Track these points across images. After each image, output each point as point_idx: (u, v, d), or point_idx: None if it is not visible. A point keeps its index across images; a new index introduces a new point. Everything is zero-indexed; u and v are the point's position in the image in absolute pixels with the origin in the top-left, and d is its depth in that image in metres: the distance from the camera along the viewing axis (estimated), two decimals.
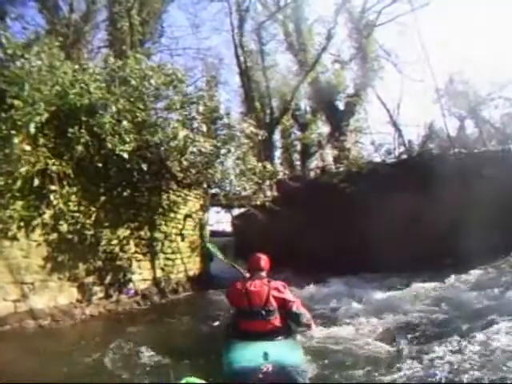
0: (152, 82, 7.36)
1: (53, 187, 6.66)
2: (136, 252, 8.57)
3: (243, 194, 12.35)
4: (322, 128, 17.41)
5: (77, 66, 7.19)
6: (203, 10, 31.40)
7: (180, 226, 10.21)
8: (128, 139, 7.01)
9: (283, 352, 3.65)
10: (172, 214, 9.83)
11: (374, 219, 11.37)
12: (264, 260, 4.40)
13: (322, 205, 12.22)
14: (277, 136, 17.55)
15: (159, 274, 9.19)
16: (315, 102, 16.79)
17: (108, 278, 7.88)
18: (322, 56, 15.33)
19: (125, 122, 7.08)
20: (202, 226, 11.38)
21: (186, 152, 7.92)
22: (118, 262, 8.11)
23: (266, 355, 3.46)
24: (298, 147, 18.55)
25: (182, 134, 7.68)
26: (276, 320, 3.96)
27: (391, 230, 11.14)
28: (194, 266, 10.78)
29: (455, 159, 11.58)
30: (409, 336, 5.25)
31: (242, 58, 14.52)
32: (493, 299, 7.09)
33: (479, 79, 19.50)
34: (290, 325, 4.15)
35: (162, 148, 8.54)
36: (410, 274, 9.81)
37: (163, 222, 9.49)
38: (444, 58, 31.28)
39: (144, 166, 7.75)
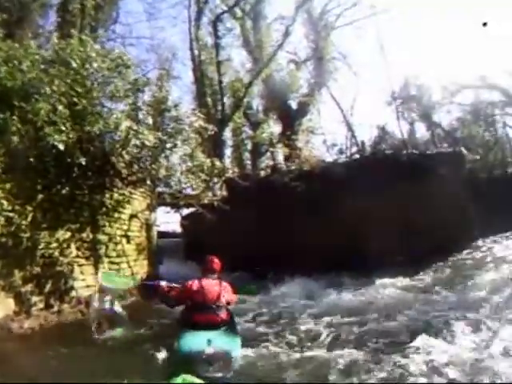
0: (94, 65, 6.62)
1: None
2: (78, 256, 7.74)
3: (191, 192, 11.88)
4: (274, 127, 17.34)
5: (16, 45, 6.30)
6: (162, 1, 30.09)
7: (125, 227, 9.45)
8: (64, 128, 6.25)
9: (224, 339, 4.49)
10: (116, 214, 9.06)
11: (325, 218, 11.38)
12: (216, 263, 5.18)
13: (272, 204, 11.97)
14: (228, 134, 17.21)
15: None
16: (268, 100, 16.63)
17: (48, 286, 7.01)
18: (277, 53, 15.23)
19: (60, 107, 6.30)
20: (148, 226, 10.66)
21: (128, 145, 7.25)
22: (58, 268, 7.26)
23: (209, 341, 4.23)
24: (249, 146, 18.25)
25: (124, 124, 7.05)
26: (223, 314, 4.81)
27: (342, 229, 11.20)
28: (141, 269, 10.04)
29: (408, 159, 11.90)
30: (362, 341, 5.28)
31: (196, 52, 13.94)
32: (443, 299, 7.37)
33: (433, 84, 20.66)
34: (233, 318, 5.12)
35: (106, 141, 7.86)
36: (361, 272, 9.94)
37: (107, 223, 8.70)
38: (400, 63, 32.64)
39: (84, 161, 6.99)
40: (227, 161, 16.31)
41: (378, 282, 9.15)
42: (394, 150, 12.52)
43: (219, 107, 13.67)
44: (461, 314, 6.00)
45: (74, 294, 7.46)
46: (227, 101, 14.83)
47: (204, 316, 4.67)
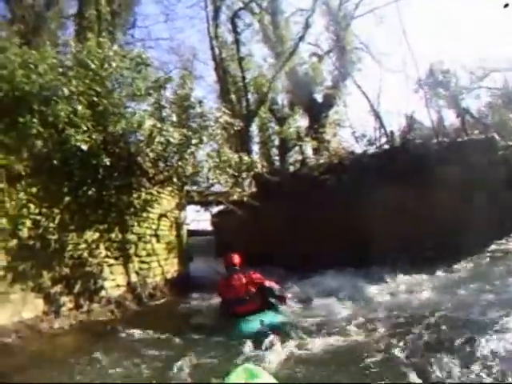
0: (113, 64, 6.61)
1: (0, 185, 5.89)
2: (107, 256, 7.82)
3: (220, 190, 11.82)
4: (301, 121, 17.05)
5: (33, 52, 6.41)
6: (178, 3, 30.55)
7: (154, 227, 9.51)
8: (86, 128, 6.28)
9: (271, 317, 5.06)
10: (145, 214, 9.11)
11: (359, 211, 10.98)
12: (235, 257, 5.70)
13: (302, 198, 11.71)
14: (254, 131, 17.08)
15: (134, 278, 8.46)
16: (293, 95, 16.32)
17: (77, 287, 7.10)
18: (299, 46, 14.90)
19: (80, 108, 6.31)
20: (178, 225, 10.70)
21: (152, 143, 7.19)
22: (88, 268, 7.35)
23: (262, 322, 4.82)
24: (277, 142, 18.02)
25: (148, 123, 7.01)
26: (258, 300, 5.23)
27: (377, 221, 10.77)
28: (171, 268, 10.10)
29: (439, 148, 11.31)
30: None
31: (216, 50, 13.88)
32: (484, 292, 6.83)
33: (459, 69, 19.50)
34: (270, 301, 5.34)
35: (130, 140, 7.89)
36: (397, 267, 9.51)
37: (136, 223, 8.76)
38: (424, 48, 31.30)
39: (108, 161, 7.01)
40: (255, 157, 16.12)
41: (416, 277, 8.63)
42: (424, 139, 11.92)
43: (244, 103, 13.51)
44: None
45: (103, 293, 7.54)
46: (251, 97, 14.64)
47: (240, 308, 5.22)
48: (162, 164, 8.23)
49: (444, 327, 5.17)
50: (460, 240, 9.34)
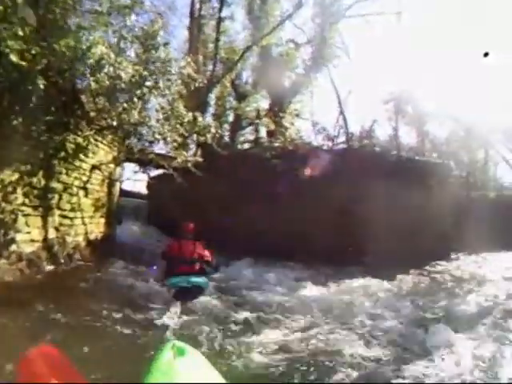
0: None
1: None
2: (24, 204, 6.47)
3: (164, 152, 10.73)
4: (261, 103, 16.15)
5: None
6: None
7: (85, 178, 8.22)
8: (22, 33, 4.93)
9: (198, 279, 5.99)
10: (77, 163, 7.83)
11: (302, 203, 10.62)
12: (191, 227, 6.49)
13: (247, 178, 11.03)
14: (211, 102, 15.86)
15: (52, 234, 7.19)
16: (260, 73, 15.35)
17: None
18: (285, 23, 13.89)
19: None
20: (111, 181, 9.44)
21: (99, 71, 5.92)
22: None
23: (188, 281, 5.86)
24: (231, 118, 17.03)
25: (99, 48, 5.77)
26: (197, 266, 6.11)
27: (317, 217, 10.52)
28: (97, 228, 8.89)
29: (397, 161, 11.28)
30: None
31: (197, 4, 12.45)
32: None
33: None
34: (205, 269, 6.21)
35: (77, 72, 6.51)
36: (333, 267, 9.35)
37: (64, 170, 7.45)
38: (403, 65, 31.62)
39: (41, 87, 5.68)
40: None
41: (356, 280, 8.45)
42: (383, 149, 11.88)
43: (210, 67, 12.37)
44: None
45: (14, 248, 6.24)
46: (219, 64, 13.48)
47: (183, 267, 6.05)
48: (105, 104, 6.92)
49: None
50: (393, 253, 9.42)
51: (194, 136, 8.67)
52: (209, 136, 8.87)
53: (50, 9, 5.35)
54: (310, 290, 7.71)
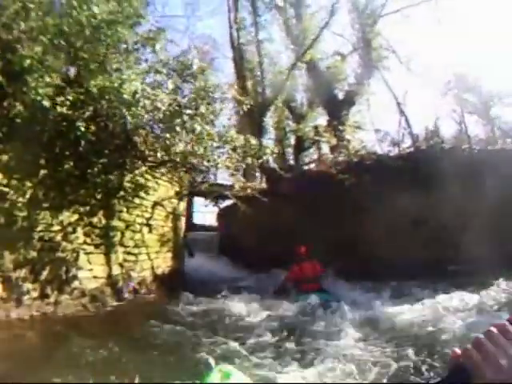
0: (95, 9, 5.44)
1: None
2: (85, 243, 6.85)
3: (226, 183, 10.82)
4: (319, 120, 15.82)
5: None
6: None
7: (147, 215, 8.52)
8: (48, 79, 5.25)
9: (324, 295, 7.04)
10: (137, 200, 8.14)
11: (376, 216, 9.80)
12: (303, 249, 7.82)
13: (317, 199, 10.55)
14: (269, 128, 15.96)
15: (116, 270, 7.48)
16: (312, 91, 15.19)
17: (44, 274, 6.14)
18: (323, 32, 13.70)
19: (38, 49, 5.18)
20: (175, 216, 9.70)
21: (135, 106, 6.09)
22: (60, 254, 6.39)
23: (316, 297, 6.87)
24: (292, 140, 16.94)
25: (133, 84, 5.94)
26: (318, 283, 7.44)
27: (393, 230, 9.60)
28: (163, 262, 9.09)
29: (468, 155, 10.05)
30: None
31: (234, 33, 12.86)
32: None
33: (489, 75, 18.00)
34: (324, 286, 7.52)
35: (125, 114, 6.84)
36: (415, 282, 8.29)
37: (124, 209, 7.79)
38: (454, 52, 29.48)
39: (82, 129, 5.95)
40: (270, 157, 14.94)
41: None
42: (453, 144, 10.66)
43: (259, 89, 12.46)
44: None
45: (76, 284, 6.57)
46: (268, 87, 13.52)
47: (308, 286, 7.21)
48: (149, 138, 7.12)
49: None
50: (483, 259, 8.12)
51: (250, 160, 8.44)
52: (265, 158, 8.69)
53: (78, 55, 5.73)
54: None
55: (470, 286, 7.15)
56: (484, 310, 6.25)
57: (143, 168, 8.01)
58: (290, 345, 4.99)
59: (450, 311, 6.17)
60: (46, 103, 5.21)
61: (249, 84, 12.36)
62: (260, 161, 8.68)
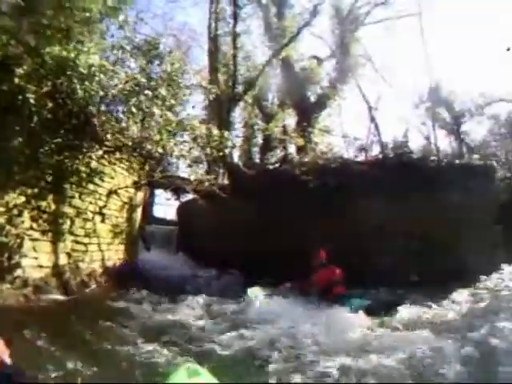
0: None
1: None
2: (31, 228, 6.27)
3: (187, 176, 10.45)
4: (289, 121, 15.78)
5: None
6: None
7: (101, 203, 8.01)
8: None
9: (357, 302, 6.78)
10: (91, 187, 7.62)
11: (338, 221, 9.77)
12: (324, 254, 7.56)
13: (278, 198, 10.37)
14: (238, 127, 15.78)
15: (63, 260, 6.94)
16: (285, 89, 15.08)
17: None
18: (302, 31, 13.60)
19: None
20: (132, 207, 9.20)
21: (90, 82, 5.62)
22: (3, 239, 5.80)
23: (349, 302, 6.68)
24: (260, 139, 16.82)
25: (91, 57, 5.50)
26: (342, 287, 7.19)
27: (356, 235, 9.60)
28: (115, 255, 8.60)
29: (436, 167, 10.30)
30: None
31: (213, 24, 12.46)
32: None
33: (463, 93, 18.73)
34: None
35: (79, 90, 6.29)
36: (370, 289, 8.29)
37: (77, 195, 7.26)
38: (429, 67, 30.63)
39: (35, 106, 5.48)
40: (235, 154, 14.69)
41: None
42: (421, 156, 10.95)
43: (230, 83, 12.17)
44: None
45: (19, 273, 6.00)
46: (241, 78, 13.27)
47: (338, 289, 7.04)
48: (104, 118, 6.63)
49: None
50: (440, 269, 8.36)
51: (209, 150, 8.10)
52: (227, 151, 8.42)
53: (40, 21, 5.23)
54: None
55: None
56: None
57: (99, 152, 7.51)
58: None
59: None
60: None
61: (220, 77, 12.00)
62: (221, 153, 8.37)
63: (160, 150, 7.00)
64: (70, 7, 5.27)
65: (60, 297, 6.53)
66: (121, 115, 6.42)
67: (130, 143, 6.94)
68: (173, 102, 6.78)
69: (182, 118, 7.23)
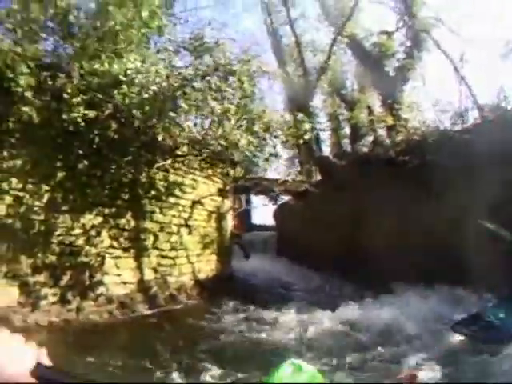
0: None
1: None
2: (112, 246, 6.45)
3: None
4: (373, 101, 14.30)
5: None
6: None
7: (185, 215, 7.98)
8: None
9: None
10: (172, 200, 7.63)
11: (453, 202, 8.13)
12: None
13: (375, 186, 9.13)
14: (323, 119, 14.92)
15: (149, 275, 6.99)
16: (360, 70, 13.77)
17: (65, 278, 5.83)
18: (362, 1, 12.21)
19: None
20: (220, 215, 9.04)
21: (128, 83, 5.45)
22: (83, 259, 6.05)
23: None
24: (347, 130, 15.76)
25: (130, 65, 5.39)
26: None
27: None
28: (206, 266, 8.48)
29: None
30: None
31: (268, 19, 12.03)
32: None
33: None
34: None
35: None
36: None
37: (158, 209, 7.31)
38: None
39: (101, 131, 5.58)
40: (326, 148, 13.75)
41: None
42: None
43: (301, 72, 11.35)
44: None
45: (102, 290, 6.18)
46: (310, 66, 12.35)
47: None
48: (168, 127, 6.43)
49: None
50: None
51: (285, 138, 7.39)
52: (306, 137, 7.62)
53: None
54: None
55: None
56: None
57: (173, 163, 7.50)
58: None
59: None
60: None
61: (289, 69, 11.37)
62: (301, 140, 7.60)
63: (222, 142, 6.53)
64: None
65: (147, 311, 6.56)
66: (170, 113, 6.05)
67: (194, 145, 6.69)
68: (230, 90, 6.28)
69: (248, 107, 6.61)
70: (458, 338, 4.78)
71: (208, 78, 6.02)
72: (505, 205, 7.02)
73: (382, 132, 12.08)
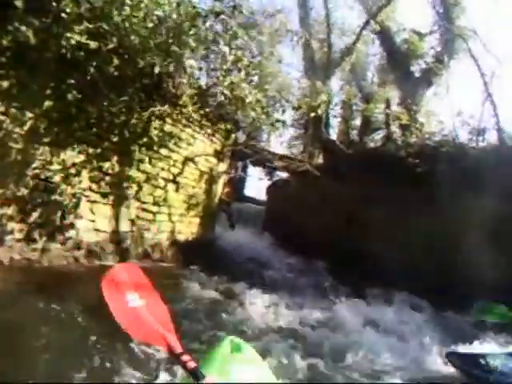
0: None
1: None
2: (90, 189, 6.01)
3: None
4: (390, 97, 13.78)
5: None
6: None
7: (176, 171, 7.54)
8: None
9: None
10: (165, 152, 7.18)
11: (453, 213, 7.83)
12: None
13: (379, 182, 8.77)
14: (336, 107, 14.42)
15: (125, 227, 6.61)
16: (385, 63, 13.18)
17: (34, 215, 5.43)
18: None
19: None
20: (212, 177, 8.59)
21: (137, 6, 4.88)
22: (57, 197, 5.62)
23: None
24: (358, 122, 15.31)
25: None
26: None
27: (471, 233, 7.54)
28: (187, 228, 8.11)
29: None
30: None
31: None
32: None
33: None
34: None
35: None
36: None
37: (147, 159, 6.86)
38: None
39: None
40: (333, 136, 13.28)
41: None
42: None
43: (325, 49, 10.75)
44: None
45: (71, 234, 5.80)
46: (337, 46, 11.75)
47: None
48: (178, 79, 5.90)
49: None
50: None
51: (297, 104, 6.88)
52: (321, 109, 7.08)
53: None
54: None
55: None
56: None
57: (174, 116, 7.02)
58: None
59: None
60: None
61: (315, 45, 10.70)
62: (314, 113, 7.05)
63: (228, 93, 5.98)
64: None
65: (114, 264, 6.23)
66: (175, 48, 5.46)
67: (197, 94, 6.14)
68: (245, 38, 5.65)
69: (257, 60, 6.02)
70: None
71: (224, 17, 5.37)
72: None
73: (395, 130, 11.61)
